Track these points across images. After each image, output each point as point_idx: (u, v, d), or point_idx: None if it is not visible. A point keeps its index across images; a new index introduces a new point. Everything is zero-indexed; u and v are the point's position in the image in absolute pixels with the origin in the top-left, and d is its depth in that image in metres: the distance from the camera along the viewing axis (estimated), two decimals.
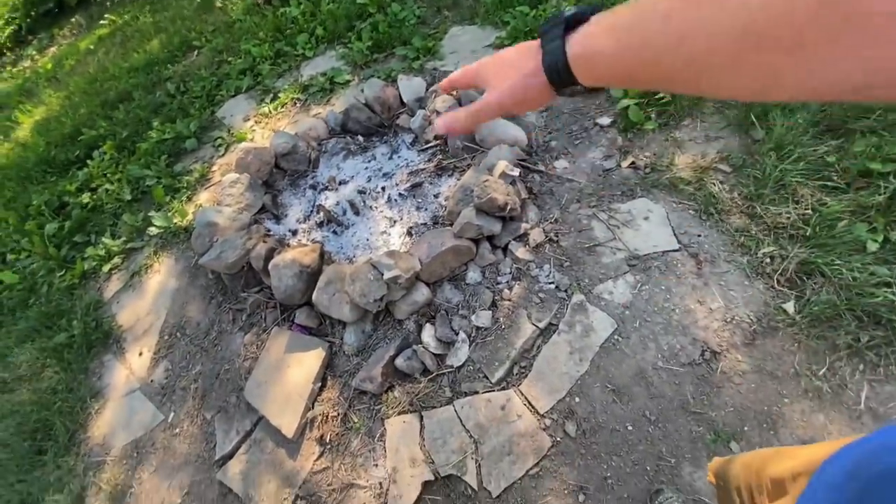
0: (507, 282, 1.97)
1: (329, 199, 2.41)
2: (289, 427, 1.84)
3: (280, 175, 2.64)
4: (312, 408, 1.90)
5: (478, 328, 1.90)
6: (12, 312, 2.78)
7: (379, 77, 2.94)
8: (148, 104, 3.77)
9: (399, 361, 1.87)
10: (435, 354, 1.89)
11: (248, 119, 3.29)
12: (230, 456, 1.92)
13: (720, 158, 2.02)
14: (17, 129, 4.49)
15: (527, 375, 1.77)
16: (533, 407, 1.71)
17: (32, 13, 6.70)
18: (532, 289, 1.93)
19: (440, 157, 2.44)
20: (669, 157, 2.08)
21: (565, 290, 1.89)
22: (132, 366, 2.33)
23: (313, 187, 2.54)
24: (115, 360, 2.39)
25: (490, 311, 1.92)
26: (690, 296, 1.75)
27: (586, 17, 0.47)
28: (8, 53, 6.67)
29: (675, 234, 1.89)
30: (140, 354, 2.34)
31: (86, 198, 3.14)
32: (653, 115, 2.22)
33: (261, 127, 3.19)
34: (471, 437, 1.71)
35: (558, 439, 1.64)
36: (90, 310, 2.57)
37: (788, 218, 1.75)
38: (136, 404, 2.20)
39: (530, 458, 1.62)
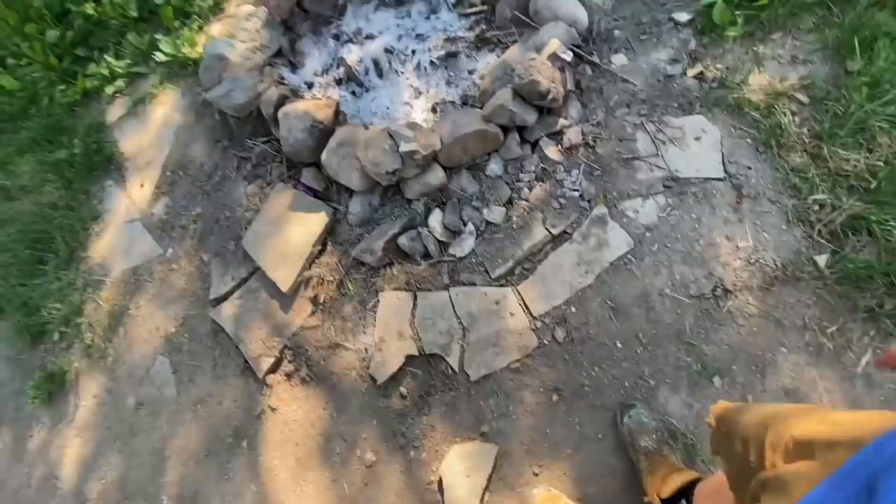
0: (529, 181, 1.84)
1: (352, 54, 2.16)
2: (284, 281, 1.85)
3: (302, 17, 2.34)
4: (309, 268, 1.89)
5: (488, 223, 1.82)
6: (13, 120, 2.66)
7: None
8: None
9: (402, 240, 1.82)
10: (439, 241, 1.83)
11: None
12: (224, 298, 1.97)
13: (801, 86, 1.75)
14: None
15: (528, 277, 1.73)
16: (527, 308, 1.70)
17: None
18: (554, 193, 1.80)
19: (484, 26, 2.13)
20: (744, 74, 1.81)
21: (588, 201, 1.76)
22: (133, 196, 2.29)
23: (336, 37, 2.27)
24: (115, 186, 2.34)
25: (504, 209, 1.82)
26: (720, 229, 1.63)
27: None
28: None
29: (723, 162, 1.71)
30: (141, 186, 2.29)
31: (89, 7, 2.82)
32: (740, 20, 1.89)
33: None
34: (460, 323, 1.72)
35: (545, 342, 1.65)
36: (91, 131, 2.46)
37: (855, 166, 1.57)
38: (136, 234, 2.20)
39: (514, 353, 1.65)
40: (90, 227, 2.26)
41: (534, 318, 1.68)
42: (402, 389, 1.72)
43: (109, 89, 2.55)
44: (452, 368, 1.69)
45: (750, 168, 1.69)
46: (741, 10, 1.91)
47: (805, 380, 1.44)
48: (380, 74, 2.11)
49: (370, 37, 2.20)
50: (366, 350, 1.78)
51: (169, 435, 1.89)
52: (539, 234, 1.76)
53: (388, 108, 2.06)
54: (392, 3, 2.29)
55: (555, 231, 1.74)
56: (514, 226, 1.79)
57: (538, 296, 1.70)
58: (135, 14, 2.73)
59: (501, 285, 1.75)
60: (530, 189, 1.82)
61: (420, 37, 2.16)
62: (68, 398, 2.02)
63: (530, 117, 1.78)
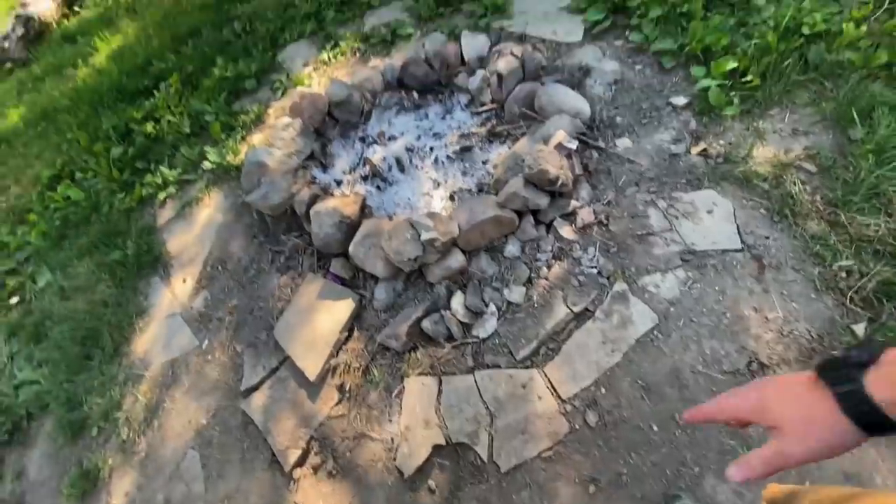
0: (547, 260, 1.89)
1: (377, 154, 2.38)
2: (312, 370, 1.89)
3: (332, 124, 2.62)
4: (336, 355, 1.93)
5: (509, 303, 1.85)
6: (76, 227, 2.97)
7: (442, 32, 2.82)
8: (214, 42, 3.82)
9: (425, 324, 1.86)
10: (462, 322, 1.86)
11: (308, 65, 3.27)
12: (255, 388, 2.00)
13: (806, 156, 1.81)
14: (95, 56, 4.69)
15: (553, 358, 1.72)
16: (555, 390, 1.66)
17: None
18: (572, 271, 1.84)
19: (494, 122, 2.33)
20: (747, 148, 1.88)
21: (608, 277, 1.79)
22: (175, 290, 2.45)
23: (363, 139, 2.51)
24: (161, 283, 2.52)
25: (524, 288, 1.85)
26: (746, 301, 1.61)
27: (875, 357, 0.48)
28: None
29: (739, 233, 1.73)
30: (184, 281, 2.46)
31: (149, 127, 3.26)
32: (735, 100, 2.01)
33: (319, 74, 3.16)
34: (487, 409, 1.68)
35: (577, 427, 1.59)
36: (144, 233, 2.71)
37: (877, 231, 1.56)
38: (176, 327, 2.32)
39: (545, 441, 1.59)
40: (135, 323, 2.40)
41: (563, 401, 1.64)
42: (431, 483, 1.66)
43: (162, 195, 2.85)
44: (481, 458, 1.63)
45: (768, 238, 1.70)
46: (735, 91, 2.04)
47: (865, 462, 1.32)
48: (402, 170, 2.30)
49: (392, 137, 2.43)
50: (392, 440, 1.75)
51: None
52: (561, 312, 1.77)
53: (409, 199, 2.21)
54: (411, 107, 2.56)
55: (576, 309, 1.75)
56: (536, 305, 1.81)
57: (565, 377, 1.67)
58: (188, 130, 3.12)
59: (527, 367, 1.73)
60: (549, 268, 1.87)
61: (437, 135, 2.38)
62: (100, 497, 2.02)
63: (543, 201, 1.88)
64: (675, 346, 1.61)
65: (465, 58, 2.59)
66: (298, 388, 1.94)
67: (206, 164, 2.78)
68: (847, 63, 1.91)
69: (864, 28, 1.95)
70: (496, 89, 2.34)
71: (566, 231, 1.90)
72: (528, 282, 1.87)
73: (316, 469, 1.80)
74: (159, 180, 2.89)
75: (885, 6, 2.02)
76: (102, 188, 3.06)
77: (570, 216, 1.93)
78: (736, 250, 1.70)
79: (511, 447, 1.60)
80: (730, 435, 1.45)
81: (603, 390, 1.61)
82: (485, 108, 2.38)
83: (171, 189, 2.87)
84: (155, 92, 3.57)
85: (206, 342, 2.22)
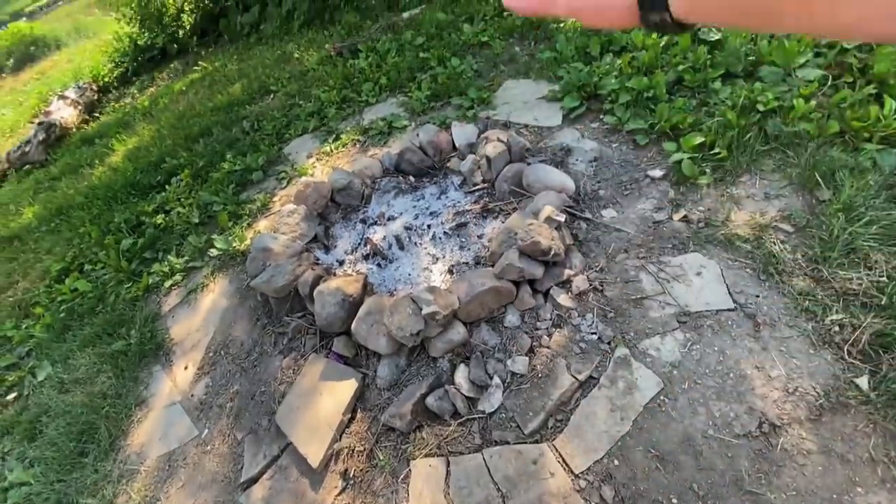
0: (547, 328, 1.92)
1: (377, 234, 2.50)
2: (315, 457, 1.83)
3: (334, 208, 2.78)
4: (340, 439, 1.88)
5: (513, 374, 1.85)
6: (80, 318, 3.00)
7: (434, 123, 3.09)
8: (224, 139, 4.15)
9: (430, 400, 1.84)
10: (467, 397, 1.84)
11: (311, 156, 3.53)
12: (255, 480, 1.92)
13: (781, 217, 1.93)
14: (111, 156, 5.05)
15: (562, 430, 1.68)
16: (567, 465, 1.61)
17: (139, 58, 7.69)
18: (573, 338, 1.86)
19: (486, 199, 2.48)
20: (725, 213, 2.01)
21: (608, 343, 1.81)
22: (176, 378, 2.43)
23: (363, 221, 2.65)
24: (162, 371, 2.50)
25: (527, 358, 1.86)
26: (747, 360, 1.62)
27: None
28: (114, 91, 7.62)
29: (730, 293, 1.79)
30: (185, 368, 2.44)
31: (160, 218, 3.43)
32: (707, 170, 2.17)
33: (322, 164, 3.40)
34: (498, 490, 1.62)
35: None
36: (148, 321, 2.74)
37: (860, 284, 1.62)
38: (175, 417, 2.27)
39: None
40: (134, 414, 2.35)
41: (576, 476, 1.58)
42: None
43: (168, 283, 2.93)
44: None
45: (758, 296, 1.76)
46: (706, 162, 2.21)
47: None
48: (401, 247, 2.40)
49: (392, 218, 2.57)
50: None
51: None
52: (566, 381, 1.76)
53: (410, 275, 2.29)
54: (408, 189, 2.73)
55: (581, 377, 1.75)
56: (540, 375, 1.81)
57: (577, 450, 1.62)
58: (196, 220, 3.28)
59: (536, 441, 1.69)
60: (549, 336, 1.89)
61: (433, 213, 2.52)
62: None
63: (538, 271, 1.95)
64: (683, 410, 1.59)
65: (457, 144, 2.82)
66: (300, 476, 1.86)
67: (213, 251, 2.89)
68: (803, 133, 2.10)
69: (813, 103, 2.17)
70: (486, 170, 2.52)
71: (563, 299, 1.96)
72: (531, 351, 1.89)
73: None
74: (166, 268, 2.99)
75: (829, 83, 2.26)
76: (110, 279, 3.15)
77: (565, 284, 2.00)
78: (729, 310, 1.75)
79: None
80: (751, 503, 1.39)
81: (616, 462, 1.57)
82: (477, 187, 2.55)
83: (178, 277, 2.95)
84: (166, 186, 3.80)
85: (206, 431, 2.16)
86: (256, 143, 3.91)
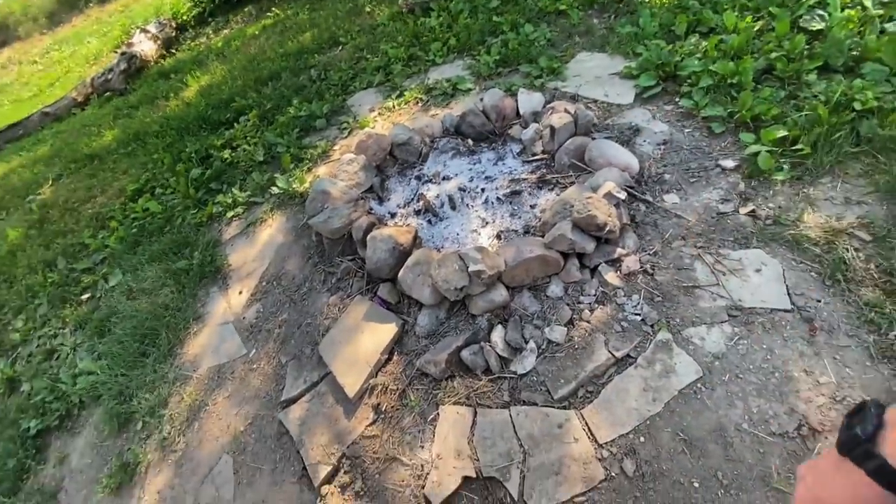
0: (590, 303, 1.92)
1: (431, 191, 2.54)
2: (351, 387, 1.95)
3: (392, 162, 2.84)
4: (376, 376, 1.99)
5: (549, 341, 1.88)
6: (150, 236, 3.26)
7: (500, 88, 3.05)
8: (292, 85, 4.26)
9: (465, 354, 1.90)
10: (500, 356, 1.89)
11: (374, 110, 3.58)
12: (294, 400, 2.07)
13: (860, 224, 1.81)
14: (185, 90, 5.30)
15: (592, 401, 1.71)
16: (592, 434, 1.64)
17: (216, 0, 7.94)
18: (615, 316, 1.86)
19: (544, 170, 2.46)
20: (797, 213, 1.91)
21: (651, 325, 1.80)
22: (231, 301, 2.62)
23: (418, 178, 2.70)
24: (219, 292, 2.70)
25: (565, 328, 1.88)
26: (796, 362, 1.58)
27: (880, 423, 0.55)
28: (190, 30, 7.92)
29: (788, 294, 1.72)
30: (240, 293, 2.63)
31: (226, 154, 3.62)
32: (785, 166, 2.06)
33: (383, 118, 3.46)
34: (521, 446, 1.68)
35: (613, 474, 1.55)
36: (209, 246, 2.94)
37: None
38: (227, 335, 2.46)
39: (578, 485, 1.56)
40: (190, 327, 2.57)
41: (600, 445, 1.61)
42: None
43: (230, 214, 3.11)
44: (511, 496, 1.60)
45: (819, 301, 1.69)
46: (785, 158, 2.09)
47: None
48: (453, 207, 2.44)
49: (447, 178, 2.60)
50: (422, 467, 1.76)
51: None
52: (602, 356, 1.78)
53: (458, 235, 2.33)
54: (466, 152, 2.74)
55: (618, 354, 1.76)
56: (576, 346, 1.83)
57: (604, 422, 1.65)
58: (260, 159, 3.44)
59: (564, 407, 1.73)
60: (591, 311, 1.90)
61: (489, 178, 2.53)
62: (134, 492, 2.09)
63: (589, 245, 1.95)
64: (719, 401, 1.58)
65: (521, 112, 2.79)
66: (336, 404, 1.99)
67: (274, 189, 3.04)
68: None
69: None
70: (548, 141, 2.49)
71: (611, 277, 1.95)
72: (570, 323, 1.90)
73: (344, 488, 1.81)
74: (229, 200, 3.17)
75: None
76: (178, 203, 3.38)
77: (615, 263, 1.98)
78: (785, 310, 1.69)
79: (543, 488, 1.58)
80: (776, 501, 1.38)
81: (642, 439, 1.59)
82: (536, 157, 2.52)
83: (239, 209, 3.13)
84: (235, 124, 3.98)
85: (254, 351, 2.33)
86: (322, 92, 4.00)
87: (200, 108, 4.40)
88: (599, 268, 1.98)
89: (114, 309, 2.79)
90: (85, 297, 3.05)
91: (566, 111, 2.51)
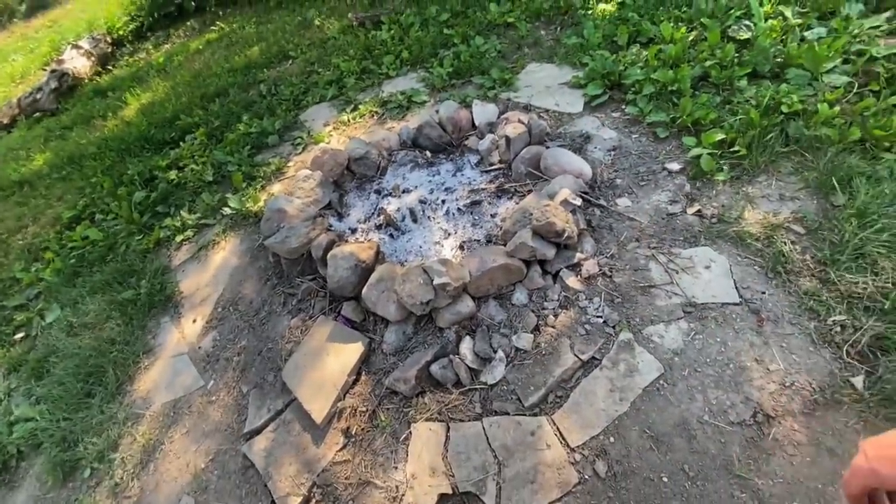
0: (554, 308, 1.96)
1: (391, 205, 2.52)
2: (318, 413, 1.88)
3: (349, 177, 2.79)
4: (343, 399, 1.93)
5: (517, 349, 1.89)
6: (90, 266, 3.04)
7: (454, 100, 3.08)
8: (241, 101, 4.13)
9: (434, 368, 1.88)
10: (470, 368, 1.89)
11: (328, 125, 3.52)
12: (258, 431, 1.98)
13: (794, 219, 1.95)
14: (124, 109, 5.02)
15: (561, 406, 1.73)
16: (564, 439, 1.66)
17: (155, 14, 7.56)
18: (578, 319, 1.90)
19: (502, 179, 2.50)
20: (739, 211, 2.03)
21: (613, 327, 1.85)
22: (185, 331, 2.47)
23: (378, 192, 2.67)
24: (170, 322, 2.54)
25: (532, 335, 1.90)
26: (747, 353, 1.67)
27: None
28: (128, 45, 7.52)
29: (736, 288, 1.82)
30: (193, 321, 2.49)
31: (173, 174, 3.44)
32: (725, 167, 2.19)
33: (338, 133, 3.40)
34: (495, 457, 1.67)
35: (586, 477, 1.57)
36: (158, 273, 2.77)
37: (865, 288, 1.65)
38: (181, 367, 2.32)
39: (554, 491, 1.57)
40: (141, 361, 2.40)
41: (571, 449, 1.63)
42: None
43: (179, 238, 2.96)
44: None
45: (764, 293, 1.79)
46: (725, 159, 2.22)
47: None
48: (414, 220, 2.43)
49: (406, 191, 2.59)
50: (397, 488, 1.71)
51: None
52: (568, 360, 1.81)
53: (421, 248, 2.32)
54: (424, 164, 2.74)
55: (584, 357, 1.79)
56: (543, 352, 1.85)
57: (574, 425, 1.68)
58: (210, 178, 3.30)
59: (535, 414, 1.74)
60: (556, 316, 1.93)
61: (448, 189, 2.54)
62: None
63: (549, 252, 1.98)
64: (681, 395, 1.64)
65: (476, 123, 2.83)
66: (303, 431, 1.92)
67: (226, 210, 2.92)
68: (824, 138, 2.11)
69: (837, 108, 2.18)
70: (504, 151, 2.53)
71: (572, 281, 1.99)
72: (536, 329, 1.93)
73: None
74: (178, 223, 3.01)
75: (854, 90, 2.27)
76: (121, 229, 3.18)
77: (575, 267, 2.03)
78: (734, 304, 1.79)
79: (519, 498, 1.58)
80: (740, 488, 1.44)
81: (612, 439, 1.62)
82: (493, 167, 2.56)
83: (189, 233, 2.98)
84: (181, 143, 3.81)
85: (212, 382, 2.21)
86: (273, 108, 3.90)
87: (142, 128, 4.18)
88: (561, 273, 2.02)
89: (52, 347, 2.57)
90: (18, 336, 2.80)
91: (520, 121, 2.56)
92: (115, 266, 2.91)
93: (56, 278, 3.01)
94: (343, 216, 2.61)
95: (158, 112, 4.42)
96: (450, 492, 1.64)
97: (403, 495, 1.68)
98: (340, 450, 1.84)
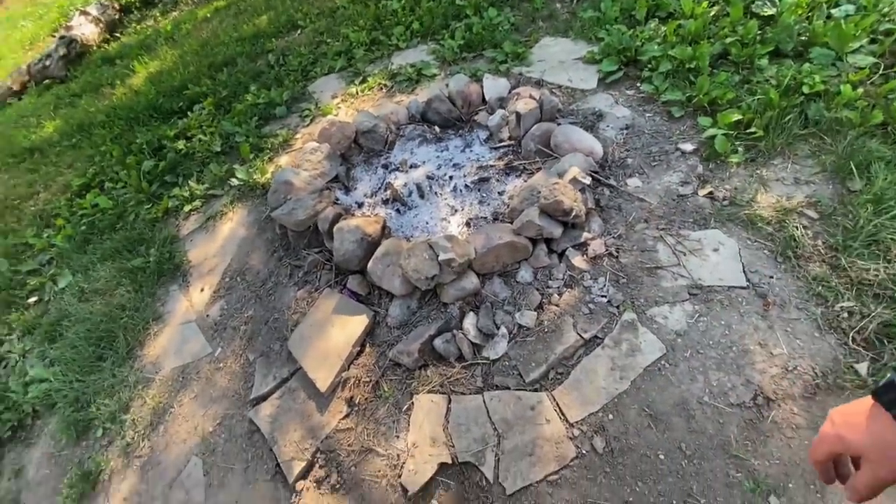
0: (558, 287, 1.96)
1: (398, 180, 2.50)
2: (323, 382, 1.92)
3: (357, 151, 2.77)
4: (348, 369, 1.97)
5: (520, 326, 1.90)
6: (101, 233, 3.08)
7: (465, 74, 3.02)
8: (249, 71, 4.08)
9: (437, 342, 1.90)
10: (473, 343, 1.90)
11: (336, 97, 3.48)
12: (264, 398, 2.03)
13: (808, 203, 1.91)
14: (132, 77, 4.99)
15: (562, 382, 1.75)
16: (563, 415, 1.68)
17: None
18: (582, 299, 1.90)
19: (511, 157, 2.46)
20: (751, 194, 1.99)
21: (617, 307, 1.85)
22: (193, 299, 2.51)
23: (385, 167, 2.65)
24: (179, 291, 2.58)
25: (535, 312, 1.91)
26: (751, 336, 1.66)
27: None
28: (135, 12, 7.41)
29: (744, 272, 1.80)
30: (201, 290, 2.52)
31: (181, 144, 3.44)
32: (740, 149, 2.14)
33: (346, 105, 3.36)
34: (495, 430, 1.70)
35: (584, 452, 1.60)
36: (166, 242, 2.80)
37: (876, 275, 1.63)
38: (189, 334, 2.37)
39: (551, 464, 1.60)
40: (150, 328, 2.45)
41: (570, 425, 1.66)
42: (434, 502, 1.65)
43: (187, 207, 2.97)
44: (487, 479, 1.63)
45: (772, 277, 1.77)
46: (740, 141, 2.17)
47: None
48: (421, 196, 2.41)
49: (414, 166, 2.57)
50: (398, 456, 1.76)
51: None
52: (571, 338, 1.82)
53: (427, 224, 2.31)
54: (433, 139, 2.71)
55: (586, 335, 1.80)
56: (546, 329, 1.86)
57: (574, 401, 1.70)
58: (218, 149, 3.29)
59: (535, 390, 1.76)
60: (560, 295, 1.93)
61: (456, 165, 2.51)
62: (98, 500, 2.00)
63: (556, 231, 1.97)
64: (682, 376, 1.65)
65: (486, 97, 2.77)
66: (308, 399, 1.96)
67: (234, 181, 2.92)
68: (845, 121, 2.04)
69: (860, 90, 2.10)
70: (514, 127, 2.49)
71: (578, 261, 1.98)
72: (539, 307, 1.93)
73: (319, 483, 1.79)
74: (186, 193, 3.02)
75: (880, 72, 2.18)
76: (130, 198, 3.20)
77: (581, 247, 2.02)
78: (741, 287, 1.77)
79: (517, 469, 1.61)
80: (736, 468, 1.46)
81: (611, 417, 1.64)
82: (503, 143, 2.52)
83: (197, 203, 2.99)
84: (189, 113, 3.79)
85: (219, 350, 2.26)
86: (281, 78, 3.85)
87: (150, 97, 4.15)
88: (567, 252, 2.01)
89: (65, 312, 2.63)
90: (32, 300, 2.86)
91: (531, 97, 2.51)
92: (124, 234, 2.94)
93: (67, 245, 3.05)
94: (350, 190, 2.60)
95: (166, 81, 4.39)
96: (449, 461, 1.68)
97: (404, 463, 1.72)
98: (344, 418, 1.89)
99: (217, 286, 2.51)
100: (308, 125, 3.31)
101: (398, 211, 2.41)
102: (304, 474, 1.81)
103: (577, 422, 1.65)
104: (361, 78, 3.53)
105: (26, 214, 3.55)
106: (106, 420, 2.16)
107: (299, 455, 1.84)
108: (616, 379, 1.70)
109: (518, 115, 2.44)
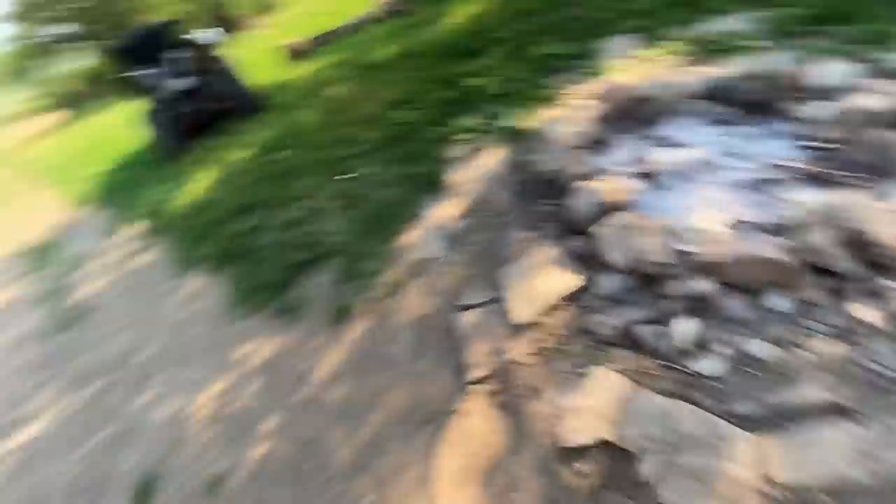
0: (822, 333, 1.59)
1: (663, 156, 2.34)
2: (520, 315, 2.11)
3: (628, 116, 2.67)
4: (546, 315, 2.10)
5: (746, 354, 1.65)
6: (399, 141, 3.89)
7: (796, 52, 2.46)
8: (547, 22, 4.26)
9: (641, 330, 1.83)
10: (679, 348, 1.76)
11: (626, 58, 3.34)
12: (468, 308, 2.36)
13: None
14: (453, 17, 5.83)
15: (776, 432, 1.48)
16: (763, 465, 1.44)
17: None
18: (851, 359, 1.51)
19: (825, 163, 1.98)
20: None
21: None
22: (444, 211, 3.02)
23: (654, 139, 2.49)
24: (435, 202, 3.13)
25: (773, 346, 1.62)
26: None
27: None
28: None
29: None
30: (452, 207, 3.00)
31: (471, 81, 3.95)
32: None
33: (634, 69, 3.20)
34: (672, 438, 1.59)
35: None
36: (438, 161, 3.38)
37: None
38: (434, 238, 2.88)
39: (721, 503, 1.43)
40: (410, 223, 3.09)
41: (768, 481, 1.42)
42: (581, 467, 1.70)
43: (460, 137, 3.47)
44: (642, 478, 1.57)
45: None
46: None
47: None
48: (684, 179, 2.21)
49: (688, 145, 2.34)
50: (562, 411, 1.84)
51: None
52: (812, 394, 1.49)
53: (677, 209, 2.13)
54: (723, 121, 2.38)
55: (842, 402, 1.45)
56: (782, 371, 1.57)
57: (784, 462, 1.43)
58: (499, 91, 3.65)
59: (737, 425, 1.54)
60: (820, 343, 1.57)
61: (741, 156, 2.17)
62: (344, 327, 2.77)
63: (847, 266, 1.56)
64: None
65: (814, 84, 2.23)
66: (503, 325, 2.20)
67: (503, 124, 3.23)
68: None
69: None
70: (845, 128, 1.96)
71: (868, 315, 1.54)
72: (781, 343, 1.62)
73: (489, 395, 2.05)
74: (464, 125, 3.52)
75: None
76: (420, 117, 3.91)
77: (879, 297, 1.55)
78: None
79: (679, 486, 1.50)
80: None
81: (826, 498, 1.33)
82: (818, 144, 2.03)
83: (469, 135, 3.45)
84: (484, 54, 4.25)
85: (451, 257, 2.69)
86: (575, 32, 3.90)
87: (457, 36, 4.81)
88: (850, 296, 1.59)
89: (362, 192, 3.53)
90: (346, 176, 3.91)
91: (883, 94, 1.91)
92: (413, 146, 3.66)
93: (377, 143, 3.99)
94: (607, 154, 2.57)
95: (473, 24, 4.97)
96: (611, 440, 1.67)
97: (569, 419, 1.80)
98: (528, 354, 2.06)
99: (464, 207, 2.93)
100: (587, 82, 3.31)
101: (651, 187, 2.28)
102: (479, 382, 2.10)
103: (778, 483, 1.40)
104: (660, 41, 3.27)
105: (357, 114, 4.75)
106: (368, 275, 2.89)
107: (482, 363, 2.12)
108: (854, 465, 1.34)
109: (857, 114, 1.91)
